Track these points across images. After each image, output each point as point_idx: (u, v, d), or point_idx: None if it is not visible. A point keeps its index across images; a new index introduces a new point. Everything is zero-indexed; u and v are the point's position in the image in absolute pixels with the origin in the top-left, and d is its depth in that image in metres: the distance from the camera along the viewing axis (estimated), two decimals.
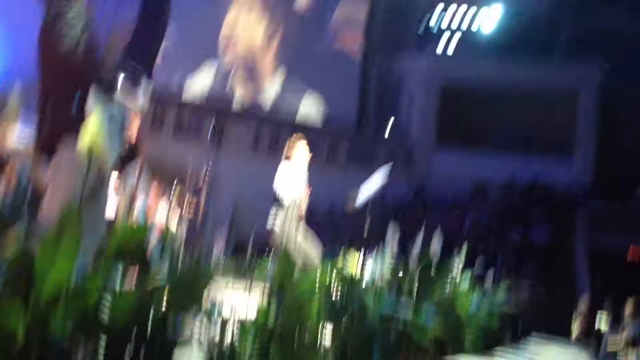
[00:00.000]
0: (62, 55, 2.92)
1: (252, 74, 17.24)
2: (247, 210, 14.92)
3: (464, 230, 14.12)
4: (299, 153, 5.82)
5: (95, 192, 3.22)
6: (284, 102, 17.37)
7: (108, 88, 2.95)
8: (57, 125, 3.00)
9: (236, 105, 16.89)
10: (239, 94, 17.08)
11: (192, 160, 8.51)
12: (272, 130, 16.34)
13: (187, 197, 8.12)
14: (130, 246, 1.90)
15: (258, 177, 14.67)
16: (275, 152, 16.07)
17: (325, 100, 17.74)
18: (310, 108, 17.53)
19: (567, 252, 14.43)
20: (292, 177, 5.63)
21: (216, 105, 16.42)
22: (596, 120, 17.13)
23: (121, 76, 3.20)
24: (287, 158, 5.85)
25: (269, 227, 5.58)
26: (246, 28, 17.01)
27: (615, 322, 9.09)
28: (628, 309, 8.75)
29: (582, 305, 9.51)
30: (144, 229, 1.89)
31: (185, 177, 8.44)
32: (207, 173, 8.20)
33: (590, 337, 8.42)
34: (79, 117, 2.81)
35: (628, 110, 17.79)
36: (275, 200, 5.68)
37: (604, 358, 7.16)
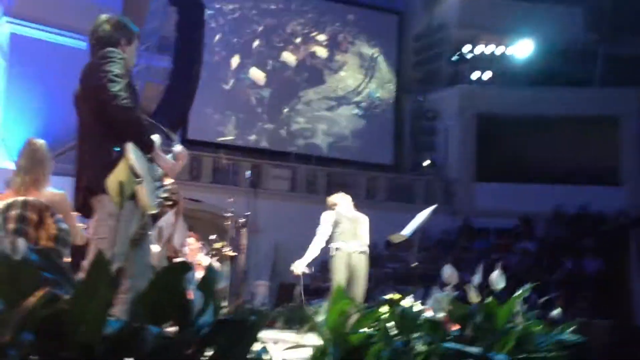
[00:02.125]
0: (103, 109, 2.88)
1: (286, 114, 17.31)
2: (288, 252, 14.76)
3: (513, 264, 13.64)
4: (342, 201, 6.39)
5: (139, 240, 3.11)
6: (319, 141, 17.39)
7: (145, 143, 2.90)
8: (95, 180, 2.95)
9: (272, 146, 16.93)
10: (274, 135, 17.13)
11: (231, 206, 8.37)
12: (308, 170, 16.27)
13: (227, 242, 7.97)
14: (169, 285, 1.71)
15: (297, 218, 14.58)
16: (313, 191, 15.96)
17: (363, 139, 17.72)
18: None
19: (622, 281, 13.80)
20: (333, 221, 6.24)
21: (253, 148, 16.49)
22: None
23: (156, 133, 3.21)
24: (332, 207, 6.37)
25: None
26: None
27: None
28: None
29: None
30: (184, 265, 1.70)
31: (225, 222, 8.30)
32: (247, 217, 8.08)
33: None
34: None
35: None
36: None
37: None
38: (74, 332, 1.58)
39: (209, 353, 1.82)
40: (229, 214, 8.36)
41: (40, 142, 3.73)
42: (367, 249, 6.37)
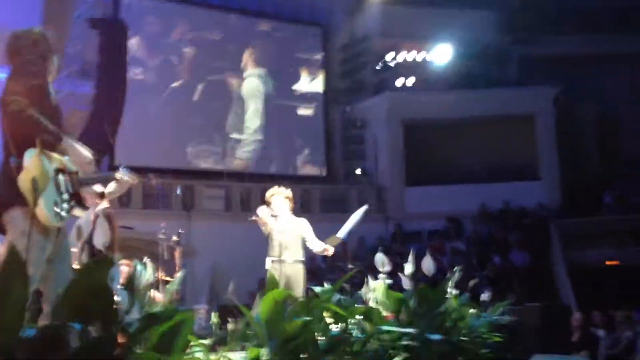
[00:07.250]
0: (16, 117, 2.79)
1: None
2: (226, 274, 14.48)
3: (446, 264, 13.95)
4: (278, 205, 6.20)
5: (56, 260, 2.99)
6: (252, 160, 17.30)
7: (51, 134, 2.83)
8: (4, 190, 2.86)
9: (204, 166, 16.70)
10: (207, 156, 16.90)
11: (164, 229, 8.12)
12: (242, 187, 16.12)
13: (160, 267, 7.74)
14: (93, 282, 1.66)
15: (234, 238, 14.36)
16: (248, 209, 15.79)
17: (294, 152, 17.78)
18: None
19: (547, 270, 14.38)
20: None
21: (184, 169, 16.19)
22: (556, 141, 17.30)
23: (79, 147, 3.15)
24: (267, 204, 6.20)
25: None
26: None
27: (609, 329, 9.07)
28: (619, 316, 8.80)
29: (573, 319, 9.39)
30: (107, 261, 1.64)
31: (158, 246, 8.07)
32: (180, 237, 7.89)
33: (587, 348, 8.28)
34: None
35: (585, 128, 18.15)
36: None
37: None
38: None
39: (139, 351, 1.78)
40: (161, 237, 8.07)
41: None
42: (302, 258, 6.28)
